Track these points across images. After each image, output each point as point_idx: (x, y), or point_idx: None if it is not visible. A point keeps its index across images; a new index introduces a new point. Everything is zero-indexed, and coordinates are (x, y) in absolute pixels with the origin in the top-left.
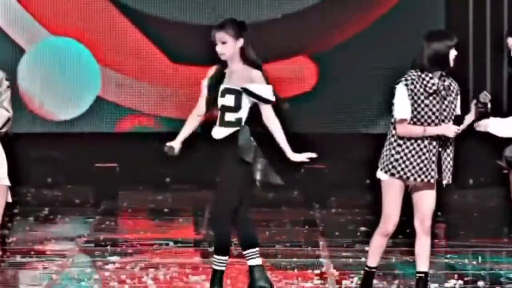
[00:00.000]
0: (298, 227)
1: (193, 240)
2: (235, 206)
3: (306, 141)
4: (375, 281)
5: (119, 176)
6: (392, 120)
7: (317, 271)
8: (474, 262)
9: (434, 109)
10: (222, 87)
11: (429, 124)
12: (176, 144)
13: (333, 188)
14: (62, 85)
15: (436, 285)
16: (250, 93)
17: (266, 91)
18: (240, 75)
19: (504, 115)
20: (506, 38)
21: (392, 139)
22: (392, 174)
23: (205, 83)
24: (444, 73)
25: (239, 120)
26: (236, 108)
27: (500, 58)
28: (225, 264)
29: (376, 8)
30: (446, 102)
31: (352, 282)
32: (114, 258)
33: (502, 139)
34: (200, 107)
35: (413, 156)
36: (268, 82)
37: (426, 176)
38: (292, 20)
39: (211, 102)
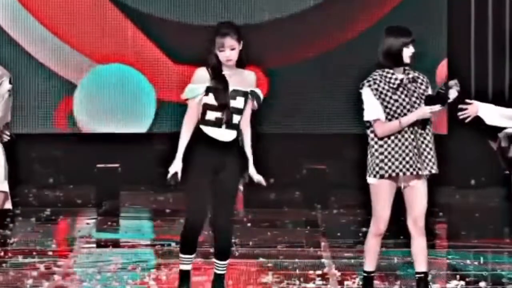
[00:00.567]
0: (299, 228)
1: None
2: None
3: (308, 142)
4: (377, 282)
5: (121, 176)
6: (368, 124)
7: (319, 272)
8: (476, 263)
9: (404, 103)
10: (231, 88)
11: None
12: (178, 165)
13: (335, 189)
14: (121, 107)
15: (438, 285)
16: (257, 97)
17: (262, 96)
18: (240, 78)
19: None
20: None
21: (372, 142)
22: (382, 176)
23: (201, 89)
24: (407, 68)
25: (239, 122)
26: (243, 110)
27: (502, 57)
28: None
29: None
30: (416, 95)
31: (354, 282)
32: (116, 259)
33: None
34: (195, 116)
35: (397, 152)
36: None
37: (414, 169)
38: (294, 20)
39: (214, 107)
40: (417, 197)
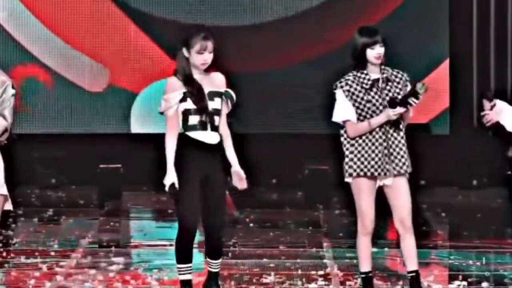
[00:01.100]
0: (302, 228)
1: (197, 241)
2: None
3: (309, 142)
4: (379, 282)
5: (123, 177)
6: (341, 126)
7: (321, 272)
8: (478, 263)
9: (377, 103)
10: (206, 90)
11: None
12: (173, 176)
13: (337, 189)
14: None
15: (440, 286)
16: (231, 97)
17: (235, 96)
18: (210, 80)
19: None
20: None
21: (345, 142)
22: (350, 174)
23: (177, 98)
24: (384, 67)
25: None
26: (220, 111)
27: (504, 57)
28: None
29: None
30: (390, 94)
31: (356, 283)
32: (118, 259)
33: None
34: (176, 124)
35: (366, 152)
36: None
37: (382, 170)
38: (296, 20)
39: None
40: (400, 198)
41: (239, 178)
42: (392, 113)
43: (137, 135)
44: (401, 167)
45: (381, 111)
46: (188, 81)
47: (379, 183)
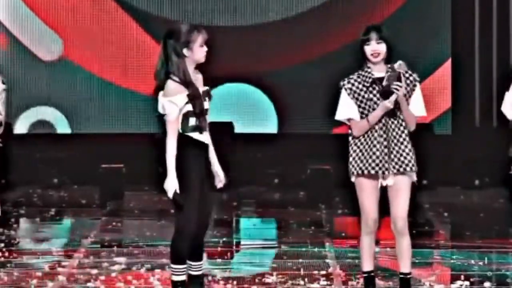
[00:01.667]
0: (304, 228)
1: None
2: None
3: (310, 142)
4: (381, 282)
5: (125, 176)
6: (349, 126)
7: (323, 272)
8: (480, 263)
9: (378, 101)
10: (201, 90)
11: None
12: (175, 183)
13: (339, 189)
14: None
15: (442, 286)
16: (211, 96)
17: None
18: (198, 79)
19: None
20: None
21: (351, 141)
22: (352, 174)
23: (182, 102)
24: (389, 66)
25: None
26: (208, 110)
27: (506, 57)
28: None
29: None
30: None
31: (358, 283)
32: (120, 259)
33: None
34: (177, 128)
35: (366, 150)
36: None
37: (380, 168)
38: (297, 20)
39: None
40: (396, 198)
41: (219, 179)
42: (388, 102)
43: (139, 134)
44: (400, 166)
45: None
46: (190, 84)
47: (383, 182)
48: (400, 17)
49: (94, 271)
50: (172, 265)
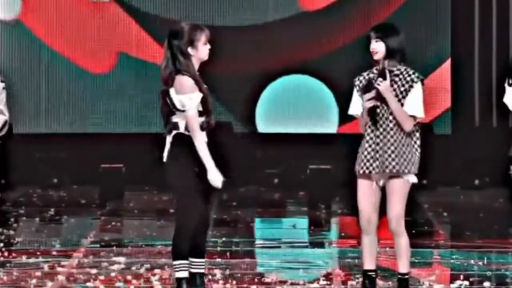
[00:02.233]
0: (303, 227)
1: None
2: None
3: (311, 141)
4: (381, 282)
5: (125, 176)
6: None
7: (323, 272)
8: (480, 263)
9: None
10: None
11: None
12: (218, 174)
13: (339, 189)
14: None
15: (442, 285)
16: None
17: None
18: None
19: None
20: None
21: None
22: (354, 173)
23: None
24: (392, 63)
25: None
26: None
27: (506, 57)
28: None
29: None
30: (391, 90)
31: (358, 282)
32: (120, 259)
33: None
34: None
35: (361, 150)
36: None
37: (367, 168)
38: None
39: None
40: (390, 198)
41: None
42: (366, 99)
43: (139, 134)
44: (387, 166)
45: (380, 105)
46: (199, 82)
47: (379, 183)
48: (400, 17)
49: (94, 271)
50: (174, 262)
